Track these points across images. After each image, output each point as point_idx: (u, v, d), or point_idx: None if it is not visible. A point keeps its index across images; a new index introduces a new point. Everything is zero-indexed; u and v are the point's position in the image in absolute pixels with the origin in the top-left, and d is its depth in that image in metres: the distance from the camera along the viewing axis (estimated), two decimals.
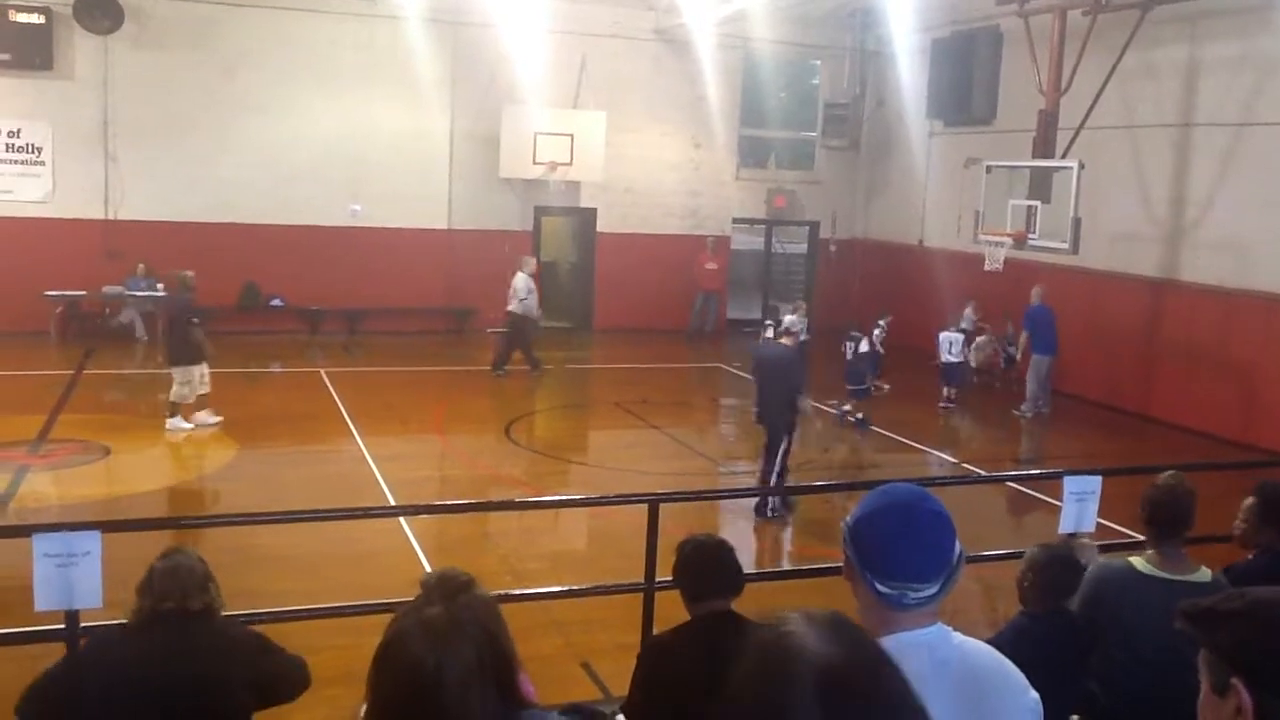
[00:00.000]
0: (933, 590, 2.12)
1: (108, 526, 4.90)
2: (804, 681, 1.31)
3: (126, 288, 17.40)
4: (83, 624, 4.59)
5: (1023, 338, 15.47)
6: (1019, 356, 15.86)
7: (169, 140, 17.75)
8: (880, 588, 2.10)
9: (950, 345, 15.42)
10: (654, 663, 3.97)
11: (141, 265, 17.39)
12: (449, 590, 2.06)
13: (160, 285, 17.43)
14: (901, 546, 2.12)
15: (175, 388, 12.34)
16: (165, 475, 10.75)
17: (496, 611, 2.12)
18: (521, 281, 16.38)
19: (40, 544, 4.45)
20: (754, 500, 10.09)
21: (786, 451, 10.02)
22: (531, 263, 16.95)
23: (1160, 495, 4.09)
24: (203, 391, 12.54)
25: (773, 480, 9.90)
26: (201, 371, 12.46)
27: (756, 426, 10.47)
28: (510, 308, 16.35)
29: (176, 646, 3.52)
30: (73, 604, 4.47)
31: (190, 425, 12.40)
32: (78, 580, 4.39)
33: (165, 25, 17.63)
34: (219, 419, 12.59)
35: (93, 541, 4.46)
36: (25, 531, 4.67)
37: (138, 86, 17.56)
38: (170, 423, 12.32)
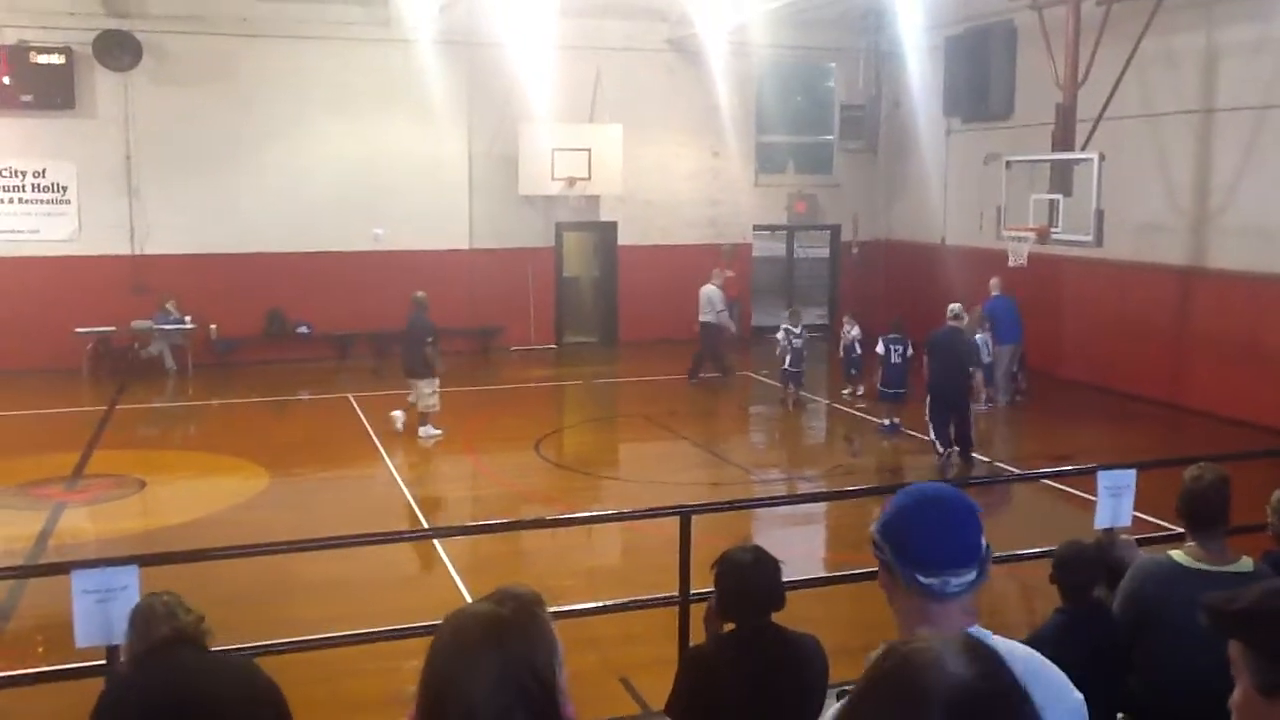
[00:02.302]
0: (971, 576, 2.15)
1: (145, 560, 4.94)
2: (935, 705, 1.29)
3: (155, 321, 17.58)
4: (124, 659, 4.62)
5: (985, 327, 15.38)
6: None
7: (191, 173, 17.94)
8: (922, 579, 2.13)
9: (986, 347, 15.27)
10: (695, 674, 3.95)
11: (170, 300, 17.57)
12: (507, 605, 2.07)
13: (188, 318, 17.63)
14: (937, 533, 2.16)
15: (425, 398, 13.31)
16: (200, 507, 10.82)
17: (548, 637, 2.09)
18: (714, 293, 16.97)
19: (79, 580, 4.49)
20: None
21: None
22: (722, 274, 17.49)
23: (1193, 488, 4.05)
24: (422, 407, 13.40)
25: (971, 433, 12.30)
26: (433, 386, 13.35)
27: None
28: (703, 318, 16.95)
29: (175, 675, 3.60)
30: (113, 639, 4.49)
31: (439, 432, 13.36)
32: (117, 615, 4.41)
33: (183, 60, 17.83)
34: (441, 432, 13.43)
35: (130, 576, 4.49)
36: (64, 569, 4.72)
37: (158, 121, 17.76)
38: (423, 430, 13.35)
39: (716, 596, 3.97)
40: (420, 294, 13.80)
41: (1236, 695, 1.60)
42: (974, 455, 12.48)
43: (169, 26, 17.54)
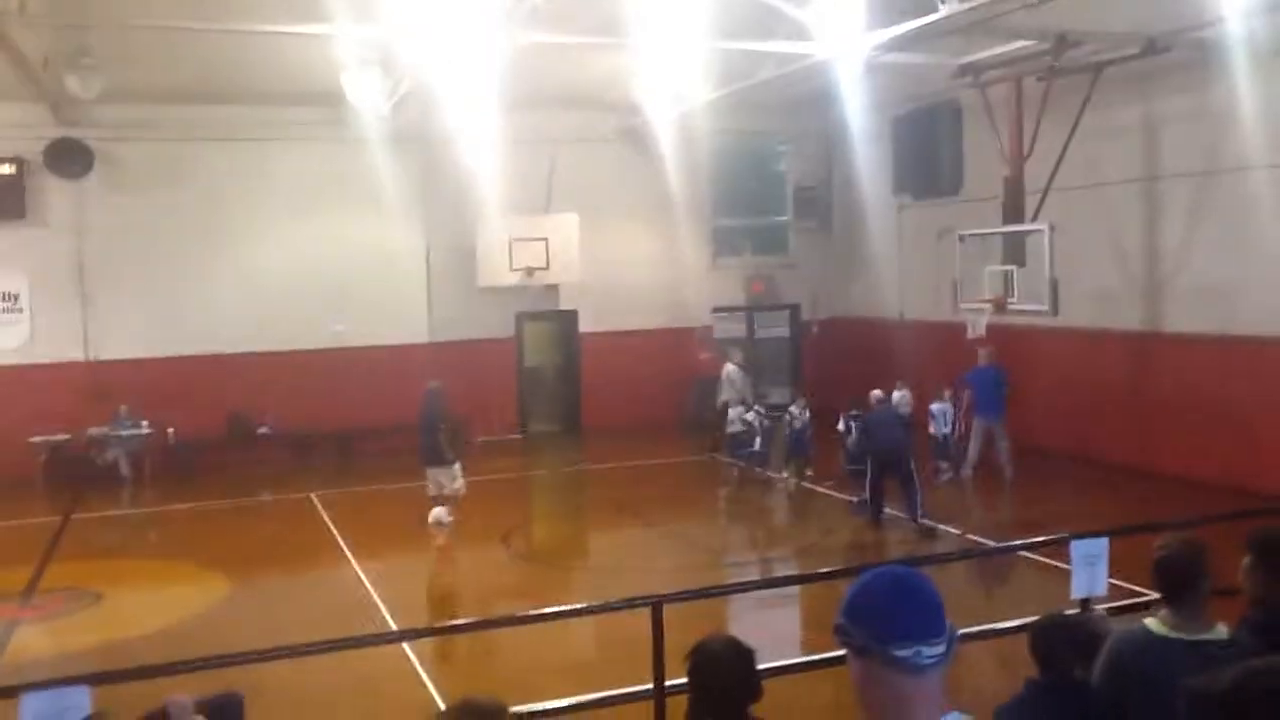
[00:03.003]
0: (942, 648, 2.14)
1: (97, 679, 4.74)
2: None
3: (111, 428, 17.29)
4: None
5: (965, 396, 15.51)
6: (960, 417, 15.67)
7: (146, 278, 17.81)
8: (895, 652, 2.11)
9: (944, 416, 15.36)
10: None
11: (124, 407, 17.31)
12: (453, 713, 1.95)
13: (145, 423, 17.36)
14: (905, 605, 2.17)
15: (448, 486, 13.38)
16: (160, 618, 10.50)
17: None
18: (734, 372, 17.65)
19: (28, 705, 4.30)
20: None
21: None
22: (737, 354, 18.37)
23: (1168, 557, 4.01)
24: (447, 493, 13.50)
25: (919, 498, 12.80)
26: (452, 473, 13.46)
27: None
28: (723, 398, 17.30)
29: None
30: None
31: (450, 519, 13.37)
32: None
33: (135, 167, 17.81)
34: (451, 520, 13.40)
35: (81, 697, 4.30)
36: (13, 692, 4.51)
37: (112, 227, 17.67)
38: (433, 514, 13.36)
39: (691, 692, 3.83)
40: (435, 383, 14.01)
41: None
42: (928, 524, 12.66)
43: (121, 134, 17.53)
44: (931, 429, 15.32)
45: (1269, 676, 1.53)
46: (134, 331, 17.79)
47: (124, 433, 17.28)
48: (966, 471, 15.24)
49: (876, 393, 13.97)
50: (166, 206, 17.91)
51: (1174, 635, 3.85)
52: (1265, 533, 4.47)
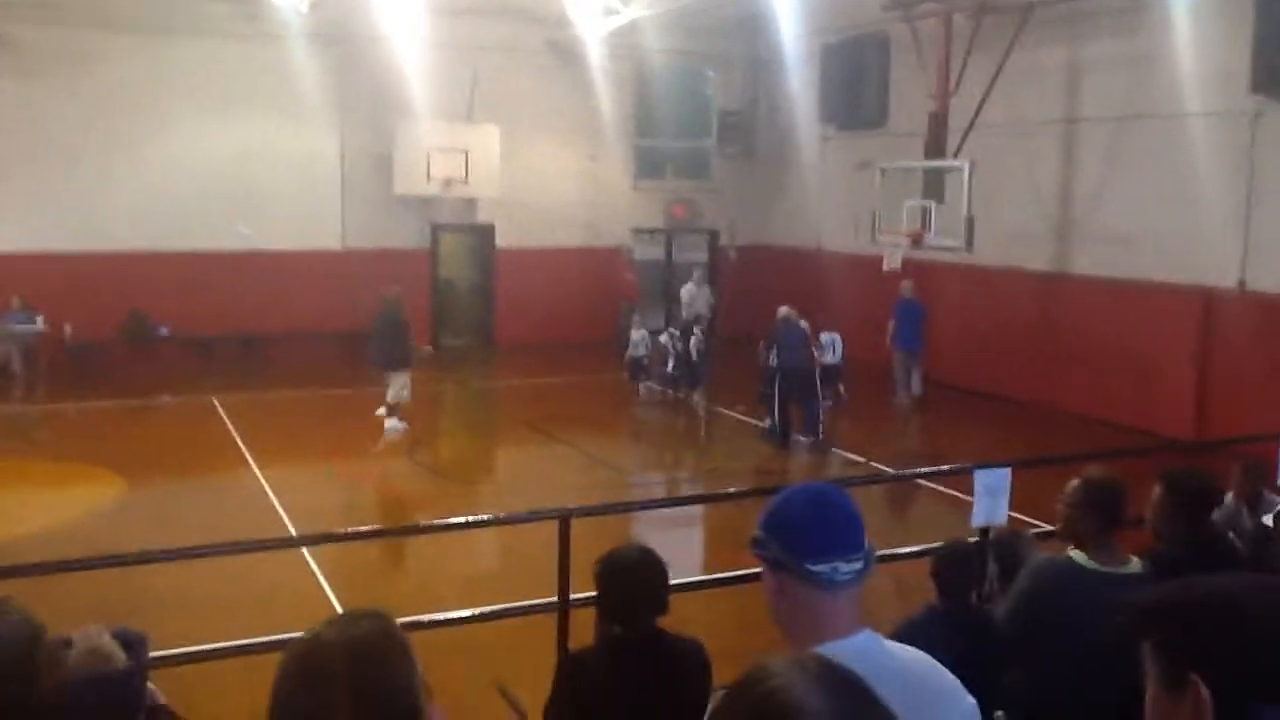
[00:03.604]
0: (859, 565, 2.13)
1: None
2: None
3: (2, 321, 16.63)
4: None
5: (889, 326, 15.82)
6: (889, 342, 16.00)
7: (45, 171, 17.04)
8: (811, 567, 2.09)
9: (833, 346, 15.42)
10: (575, 679, 3.77)
11: (17, 299, 16.64)
12: (336, 624, 1.85)
13: (40, 318, 16.74)
14: (824, 521, 2.15)
15: (395, 390, 13.50)
16: (47, 517, 10.21)
17: (389, 646, 1.87)
18: (692, 290, 18.38)
19: None
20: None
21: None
22: (697, 272, 19.26)
23: (1103, 486, 4.04)
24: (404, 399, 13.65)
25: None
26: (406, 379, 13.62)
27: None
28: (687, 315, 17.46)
29: None
30: None
31: (405, 425, 13.43)
32: None
33: (38, 53, 16.91)
34: (405, 425, 13.52)
35: None
36: None
37: (10, 116, 16.83)
38: (389, 424, 13.42)
39: (599, 598, 3.80)
40: (394, 289, 14.15)
41: (1148, 696, 1.55)
42: (825, 445, 13.11)
43: (19, 14, 16.61)
44: (822, 357, 15.45)
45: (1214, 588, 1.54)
46: (29, 225, 17.04)
47: (16, 327, 16.62)
48: (902, 400, 15.68)
49: (784, 310, 13.96)
50: (67, 95, 17.10)
51: (1095, 568, 3.91)
52: (1176, 471, 4.57)
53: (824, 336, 15.37)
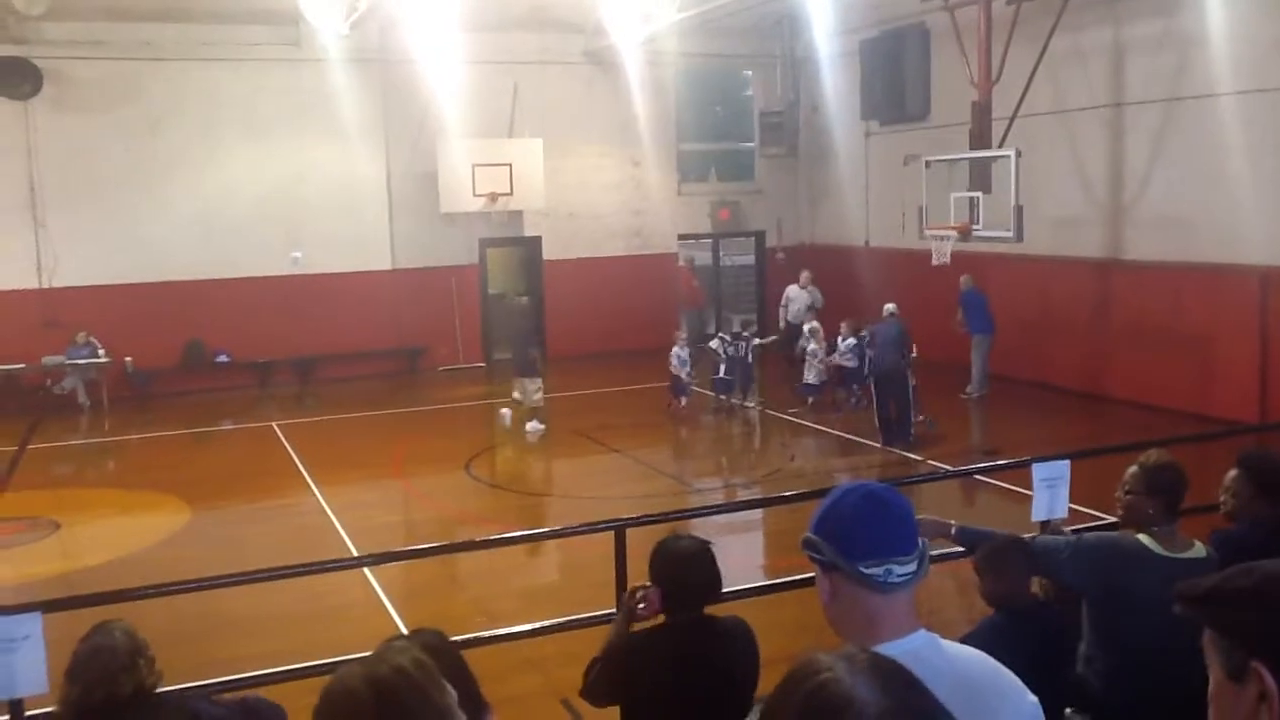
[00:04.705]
0: (913, 567, 2.11)
1: (49, 606, 4.66)
2: None
3: (68, 356, 17.01)
4: (29, 712, 4.35)
5: (958, 318, 15.69)
6: (962, 331, 15.83)
7: (99, 202, 17.40)
8: (864, 569, 2.07)
9: (851, 351, 15.26)
10: (624, 662, 3.79)
11: (82, 333, 17.01)
12: (366, 663, 1.91)
13: (101, 350, 17.10)
14: (877, 522, 2.12)
15: (530, 395, 14.51)
16: (119, 546, 10.41)
17: (416, 680, 1.90)
18: (795, 291, 18.27)
19: None
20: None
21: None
22: (804, 274, 18.64)
23: (1166, 470, 4.00)
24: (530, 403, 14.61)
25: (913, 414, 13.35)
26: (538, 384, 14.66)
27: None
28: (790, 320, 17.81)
29: None
30: (15, 691, 4.24)
31: (544, 426, 14.39)
32: (20, 666, 4.16)
33: (85, 86, 17.31)
34: (545, 427, 14.47)
35: (33, 624, 4.23)
36: None
37: (63, 150, 17.21)
38: (531, 424, 14.38)
39: (653, 586, 3.81)
40: (524, 299, 15.36)
41: (1211, 685, 1.52)
42: (905, 452, 12.76)
43: (70, 52, 16.99)
44: (842, 361, 15.36)
45: None
46: (89, 257, 17.42)
47: (81, 360, 16.99)
48: (983, 390, 15.63)
49: (890, 306, 14.16)
50: (118, 128, 17.46)
51: (1163, 553, 3.87)
52: (1254, 453, 4.51)
53: (841, 342, 15.28)
